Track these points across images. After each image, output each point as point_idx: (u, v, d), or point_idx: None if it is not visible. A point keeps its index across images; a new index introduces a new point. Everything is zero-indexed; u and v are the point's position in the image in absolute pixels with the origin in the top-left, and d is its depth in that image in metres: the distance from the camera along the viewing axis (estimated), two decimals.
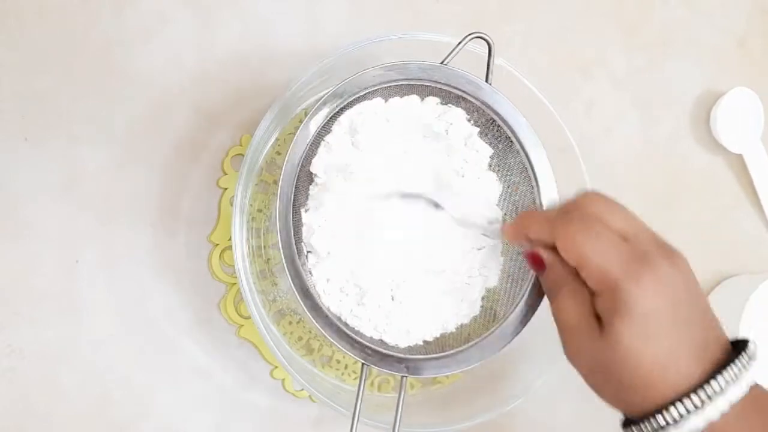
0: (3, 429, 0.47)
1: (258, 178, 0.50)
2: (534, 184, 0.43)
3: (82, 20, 0.51)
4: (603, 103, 0.61)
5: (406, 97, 0.43)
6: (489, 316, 0.43)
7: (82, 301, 0.49)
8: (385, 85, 0.42)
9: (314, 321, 0.40)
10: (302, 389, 0.52)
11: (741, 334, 0.58)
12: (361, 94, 0.42)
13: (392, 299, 0.42)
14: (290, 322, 0.51)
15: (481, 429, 0.46)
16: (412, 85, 0.43)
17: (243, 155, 0.46)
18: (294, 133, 0.41)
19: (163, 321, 0.50)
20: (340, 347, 0.40)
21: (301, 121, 0.52)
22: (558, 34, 0.61)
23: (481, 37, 0.43)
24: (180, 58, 0.53)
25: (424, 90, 0.43)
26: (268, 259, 0.51)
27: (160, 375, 0.50)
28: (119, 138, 0.51)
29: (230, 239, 0.50)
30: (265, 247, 0.51)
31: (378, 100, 0.43)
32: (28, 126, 0.50)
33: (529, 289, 0.41)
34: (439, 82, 0.43)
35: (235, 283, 0.51)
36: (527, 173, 0.43)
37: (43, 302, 0.49)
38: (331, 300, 0.41)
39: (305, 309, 0.40)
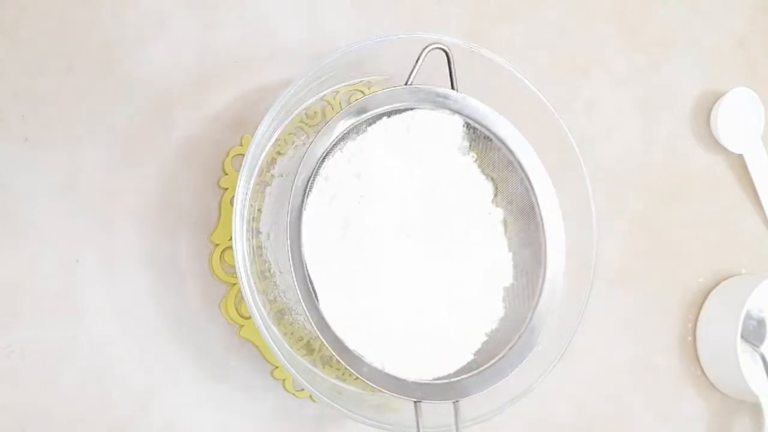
0: (3, 429, 0.47)
1: (258, 178, 0.50)
2: (522, 174, 0.43)
3: (82, 20, 0.51)
4: (603, 103, 0.61)
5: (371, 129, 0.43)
6: (515, 313, 0.43)
7: (82, 301, 0.49)
8: (352, 121, 0.42)
9: (357, 374, 0.39)
10: (303, 389, 0.52)
11: (740, 334, 0.58)
12: (333, 142, 0.41)
13: (416, 328, 0.42)
14: (291, 323, 0.51)
15: (481, 429, 0.46)
16: (379, 114, 0.43)
17: (243, 155, 0.46)
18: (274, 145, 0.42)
19: (164, 321, 0.50)
20: (388, 393, 0.39)
21: (302, 121, 0.53)
22: (558, 34, 0.61)
23: (438, 48, 0.43)
24: (180, 58, 0.52)
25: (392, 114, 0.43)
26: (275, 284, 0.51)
27: (160, 375, 0.50)
28: (119, 138, 0.51)
29: (231, 239, 0.50)
30: (266, 247, 0.51)
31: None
32: (28, 126, 0.50)
33: (543, 279, 0.41)
34: (406, 102, 0.43)
35: (235, 283, 0.51)
36: (513, 165, 0.43)
37: (43, 302, 0.49)
38: (363, 346, 0.40)
39: (346, 365, 0.39)
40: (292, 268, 0.40)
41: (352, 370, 0.39)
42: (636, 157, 0.62)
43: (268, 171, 0.51)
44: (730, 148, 0.63)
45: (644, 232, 0.62)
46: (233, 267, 0.50)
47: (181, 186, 0.52)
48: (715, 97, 0.63)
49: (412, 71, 0.42)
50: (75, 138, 0.50)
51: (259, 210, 0.51)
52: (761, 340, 0.60)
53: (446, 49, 0.43)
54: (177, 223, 0.51)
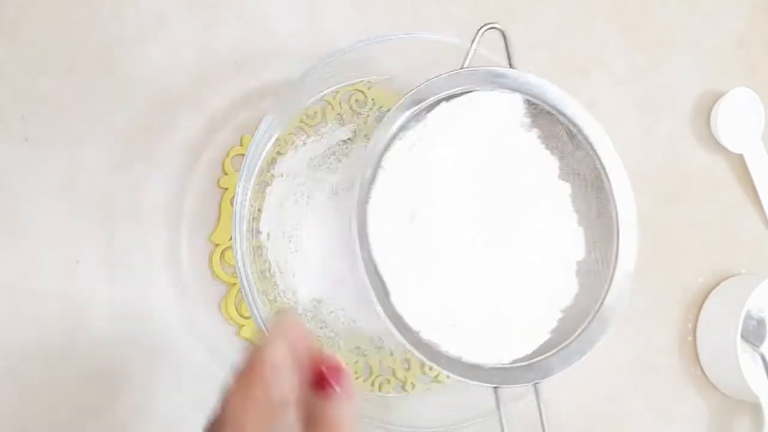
0: (4, 429, 0.47)
1: (258, 178, 0.50)
2: (588, 146, 0.43)
3: (82, 20, 0.51)
4: (603, 103, 0.61)
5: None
6: (590, 288, 0.43)
7: (82, 301, 0.49)
8: (412, 109, 0.42)
9: (437, 366, 0.39)
10: None
11: (740, 334, 0.58)
12: (394, 133, 0.41)
13: (490, 312, 0.42)
14: None
15: (481, 429, 0.46)
16: (438, 100, 0.42)
17: (243, 155, 0.46)
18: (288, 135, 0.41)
19: (164, 321, 0.50)
20: (468, 381, 0.39)
21: (302, 121, 0.53)
22: (558, 34, 0.61)
23: (494, 28, 0.43)
24: (180, 58, 0.52)
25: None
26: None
27: (160, 375, 0.50)
28: (119, 138, 0.51)
29: (231, 239, 0.50)
30: (266, 247, 0.51)
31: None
32: (28, 126, 0.50)
33: (617, 251, 0.41)
34: (464, 86, 0.42)
35: (235, 283, 0.51)
36: (577, 138, 0.43)
37: (43, 302, 0.49)
38: (438, 337, 0.40)
39: (424, 358, 0.39)
40: (362, 263, 0.39)
41: (430, 363, 0.39)
42: (636, 157, 0.62)
43: (268, 171, 0.51)
44: (730, 148, 0.63)
45: (644, 232, 0.62)
46: (233, 267, 0.50)
47: (182, 186, 0.52)
48: (715, 97, 0.63)
49: (468, 53, 0.42)
50: (75, 138, 0.50)
51: (259, 210, 0.51)
52: (761, 340, 0.60)
53: (501, 29, 0.43)
54: (177, 223, 0.51)
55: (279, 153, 0.52)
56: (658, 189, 0.62)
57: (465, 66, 0.42)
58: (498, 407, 0.39)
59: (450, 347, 0.40)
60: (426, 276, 0.41)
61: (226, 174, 0.52)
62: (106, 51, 0.51)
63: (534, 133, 0.44)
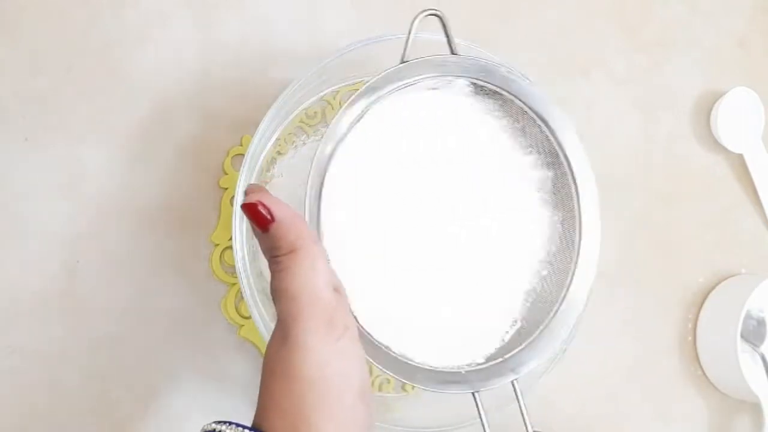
0: (3, 429, 0.47)
1: (258, 178, 0.50)
2: (540, 122, 0.42)
3: (82, 20, 0.51)
4: (603, 103, 0.61)
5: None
6: (558, 269, 0.42)
7: (82, 301, 0.49)
8: (353, 116, 0.40)
9: (413, 383, 0.38)
10: None
11: (740, 334, 0.58)
12: (335, 144, 0.40)
13: (457, 309, 0.41)
14: None
15: (479, 428, 0.46)
16: (378, 98, 0.41)
17: (243, 155, 0.46)
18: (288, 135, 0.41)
19: (163, 321, 0.50)
20: (447, 392, 0.38)
21: (302, 121, 0.53)
22: (558, 34, 0.61)
23: (431, 14, 0.41)
24: (180, 58, 0.53)
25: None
26: None
27: (160, 375, 0.50)
28: (119, 138, 0.51)
29: (231, 239, 0.50)
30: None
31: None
32: (28, 126, 0.50)
33: (581, 227, 0.41)
34: (406, 80, 0.41)
35: (235, 283, 0.51)
36: (528, 115, 0.42)
37: (43, 302, 0.49)
38: (405, 346, 0.39)
39: (402, 379, 0.38)
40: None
41: (407, 381, 0.39)
42: (636, 157, 0.62)
43: (268, 171, 0.51)
44: (730, 148, 0.63)
45: (644, 232, 0.62)
46: (233, 267, 0.50)
47: (181, 186, 0.52)
48: (715, 97, 0.63)
49: (406, 46, 0.41)
50: (75, 138, 0.50)
51: None
52: (761, 340, 0.60)
53: (439, 13, 0.42)
54: (177, 223, 0.51)
55: (279, 153, 0.52)
56: (658, 189, 0.62)
57: (405, 59, 0.41)
58: (479, 412, 0.38)
59: (420, 355, 0.39)
60: (382, 282, 0.40)
61: (226, 174, 0.52)
62: (106, 51, 0.51)
63: (486, 116, 0.43)
